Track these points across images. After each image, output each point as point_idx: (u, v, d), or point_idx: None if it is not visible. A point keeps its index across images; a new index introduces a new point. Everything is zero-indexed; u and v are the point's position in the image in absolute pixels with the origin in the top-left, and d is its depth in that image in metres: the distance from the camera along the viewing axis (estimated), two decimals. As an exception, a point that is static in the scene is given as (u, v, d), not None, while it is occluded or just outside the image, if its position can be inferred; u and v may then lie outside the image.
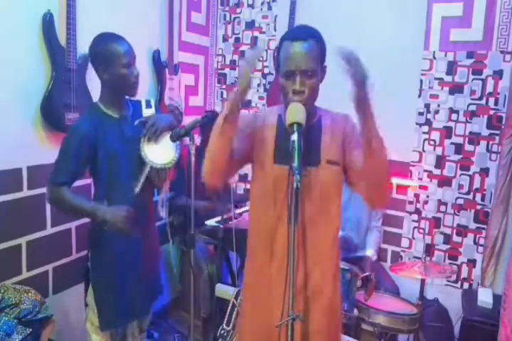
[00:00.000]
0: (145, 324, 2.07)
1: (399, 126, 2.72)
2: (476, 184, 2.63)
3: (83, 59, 2.11)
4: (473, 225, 2.66)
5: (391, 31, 2.76)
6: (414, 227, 2.83)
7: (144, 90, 2.62)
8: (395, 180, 2.83)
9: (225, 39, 3.40)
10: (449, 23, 2.61)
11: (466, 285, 2.70)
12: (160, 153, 1.79)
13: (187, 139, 1.85)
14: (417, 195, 2.80)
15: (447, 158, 2.71)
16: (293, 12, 2.98)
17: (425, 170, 2.77)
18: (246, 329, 1.51)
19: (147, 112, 1.86)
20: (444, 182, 2.72)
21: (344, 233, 2.62)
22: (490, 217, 2.55)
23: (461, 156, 2.66)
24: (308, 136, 1.31)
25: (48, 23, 1.98)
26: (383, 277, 2.62)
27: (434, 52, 2.68)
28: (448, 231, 2.73)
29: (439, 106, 2.70)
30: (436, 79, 2.69)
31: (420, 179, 2.79)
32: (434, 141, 2.73)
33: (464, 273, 2.70)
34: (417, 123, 2.77)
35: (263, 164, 1.39)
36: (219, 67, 3.45)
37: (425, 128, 2.75)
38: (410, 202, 2.83)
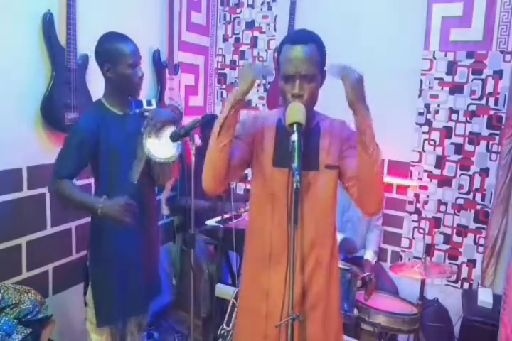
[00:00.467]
0: (144, 322, 2.07)
1: (399, 126, 2.73)
2: (476, 184, 2.63)
3: (83, 59, 2.12)
4: (473, 225, 2.66)
5: (391, 31, 2.76)
6: (414, 227, 2.83)
7: (144, 90, 2.61)
8: (395, 180, 2.84)
9: (225, 39, 3.41)
10: (449, 23, 2.61)
11: (466, 285, 2.70)
12: (162, 147, 1.79)
13: (187, 139, 1.86)
14: (417, 195, 2.80)
15: (447, 158, 2.71)
16: (293, 12, 2.98)
17: (425, 170, 2.77)
18: (242, 330, 1.51)
19: (147, 108, 1.87)
20: (444, 182, 2.72)
21: (345, 234, 2.63)
22: (490, 217, 2.55)
23: (461, 156, 2.66)
24: (306, 139, 1.31)
25: (48, 23, 1.98)
26: (382, 277, 2.62)
27: (434, 52, 2.68)
28: (448, 231, 2.73)
29: (439, 106, 2.70)
30: (436, 79, 2.69)
31: (420, 179, 2.79)
32: (434, 141, 2.73)
33: (464, 273, 2.70)
34: (417, 123, 2.77)
35: (263, 166, 1.39)
36: (219, 67, 3.45)
37: (425, 128, 2.75)
38: (410, 202, 2.83)
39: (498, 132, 2.54)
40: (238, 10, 3.31)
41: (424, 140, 2.76)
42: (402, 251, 2.87)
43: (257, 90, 3.29)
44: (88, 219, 1.92)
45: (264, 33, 3.24)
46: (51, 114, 2.04)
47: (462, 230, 2.69)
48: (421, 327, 2.17)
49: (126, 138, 1.77)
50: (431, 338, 2.42)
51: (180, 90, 2.99)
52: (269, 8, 3.19)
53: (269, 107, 3.14)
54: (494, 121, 2.55)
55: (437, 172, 2.74)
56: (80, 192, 1.72)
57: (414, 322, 2.13)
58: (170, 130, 1.82)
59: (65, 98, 2.05)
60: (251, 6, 3.26)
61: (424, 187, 2.78)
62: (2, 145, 1.91)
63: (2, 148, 1.91)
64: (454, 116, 2.67)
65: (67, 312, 2.24)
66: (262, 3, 3.21)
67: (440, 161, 2.73)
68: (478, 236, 2.64)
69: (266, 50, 3.25)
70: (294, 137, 1.20)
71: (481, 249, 2.63)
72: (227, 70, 3.42)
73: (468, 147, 2.64)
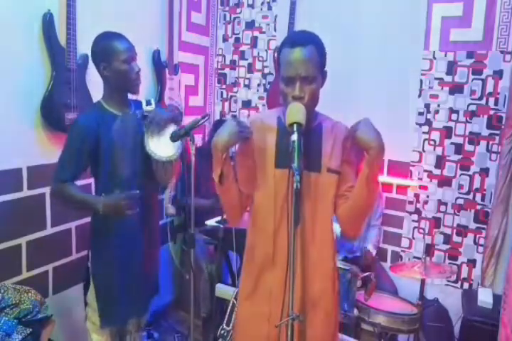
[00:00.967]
0: (143, 322, 2.07)
1: (399, 126, 2.73)
2: (476, 184, 2.63)
3: (83, 59, 2.11)
4: (473, 225, 2.66)
5: (391, 31, 2.76)
6: (414, 227, 2.83)
7: (144, 90, 2.62)
8: (395, 180, 2.84)
9: (225, 39, 3.40)
10: (449, 23, 2.61)
11: (466, 285, 2.70)
12: (164, 146, 1.80)
13: (187, 138, 1.86)
14: (417, 195, 2.80)
15: (447, 158, 2.71)
16: (293, 12, 2.98)
17: (425, 170, 2.77)
18: (243, 330, 1.51)
19: (148, 109, 1.87)
20: (444, 182, 2.72)
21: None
22: (490, 217, 2.54)
23: (461, 156, 2.66)
24: (308, 140, 1.31)
25: (47, 23, 1.98)
26: (382, 277, 2.62)
27: (434, 52, 2.68)
28: (448, 231, 2.73)
29: (439, 106, 2.70)
30: (436, 79, 2.69)
31: (420, 179, 2.79)
32: (434, 141, 2.73)
33: (464, 273, 2.70)
34: (417, 123, 2.77)
35: (264, 168, 1.39)
36: (219, 67, 3.45)
37: (425, 128, 2.75)
38: (410, 202, 2.83)
39: (498, 132, 2.54)
40: (238, 10, 3.31)
41: (424, 140, 2.76)
42: (402, 251, 2.87)
43: (257, 90, 3.29)
44: (88, 219, 1.92)
45: (264, 33, 3.24)
46: (51, 114, 2.04)
47: (462, 230, 2.69)
48: (421, 327, 2.17)
49: (126, 137, 1.77)
50: (431, 338, 2.41)
51: (180, 90, 2.99)
52: (269, 8, 3.19)
53: (269, 107, 3.14)
54: (494, 121, 2.55)
55: (437, 172, 2.74)
56: (80, 192, 1.72)
57: (414, 322, 2.13)
58: (171, 129, 1.83)
59: (65, 98, 2.05)
60: (251, 6, 3.26)
61: (424, 187, 2.78)
62: (2, 145, 1.91)
63: (2, 148, 1.92)
64: (454, 116, 2.67)
65: (67, 312, 2.24)
66: (262, 3, 3.21)
67: (440, 161, 2.72)
68: (478, 236, 2.64)
69: (266, 50, 3.25)
70: (294, 137, 1.20)
71: (481, 249, 2.63)
72: (227, 70, 3.42)
73: (468, 147, 2.64)
